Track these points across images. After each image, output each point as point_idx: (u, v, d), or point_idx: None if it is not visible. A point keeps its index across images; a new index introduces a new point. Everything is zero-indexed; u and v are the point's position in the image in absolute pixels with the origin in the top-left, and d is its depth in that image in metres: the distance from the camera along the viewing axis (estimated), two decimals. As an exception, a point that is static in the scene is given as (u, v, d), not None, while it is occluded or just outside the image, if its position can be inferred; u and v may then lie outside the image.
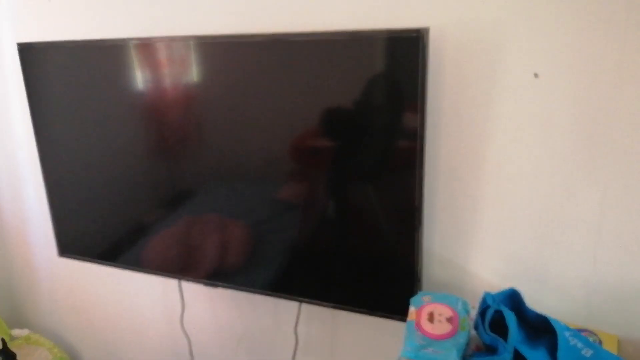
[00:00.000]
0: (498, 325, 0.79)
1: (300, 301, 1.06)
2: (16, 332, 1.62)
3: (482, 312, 0.80)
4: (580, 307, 0.92)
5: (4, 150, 1.56)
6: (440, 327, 0.82)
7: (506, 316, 0.76)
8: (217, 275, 1.13)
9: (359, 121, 0.89)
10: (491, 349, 0.80)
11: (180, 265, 1.17)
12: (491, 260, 0.97)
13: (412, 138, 0.85)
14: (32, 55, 1.18)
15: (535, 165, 0.88)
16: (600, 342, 0.86)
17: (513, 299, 0.81)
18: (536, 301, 0.94)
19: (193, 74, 1.00)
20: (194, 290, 1.36)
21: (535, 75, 0.83)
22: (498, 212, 0.93)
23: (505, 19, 0.84)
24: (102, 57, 1.08)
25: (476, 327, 0.83)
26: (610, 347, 0.85)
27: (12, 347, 1.50)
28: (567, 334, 0.77)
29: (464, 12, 0.86)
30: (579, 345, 0.77)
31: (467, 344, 0.82)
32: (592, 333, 0.88)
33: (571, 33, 0.80)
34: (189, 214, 1.12)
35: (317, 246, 1.00)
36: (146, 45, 1.03)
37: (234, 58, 0.95)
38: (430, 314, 0.84)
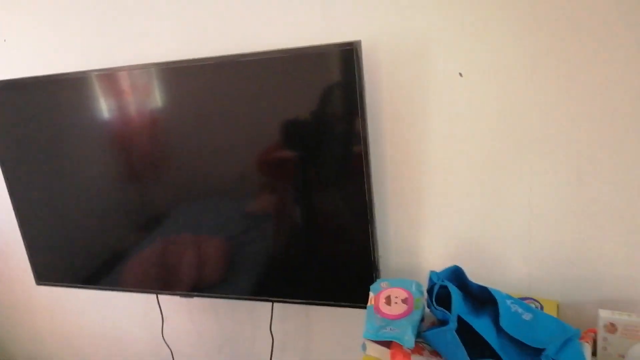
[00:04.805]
0: (447, 301, 0.86)
1: (273, 301, 1.12)
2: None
3: (430, 289, 0.87)
4: (522, 279, 1.00)
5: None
6: (397, 308, 0.89)
7: (450, 289, 0.84)
8: (195, 287, 1.17)
9: (309, 131, 0.95)
10: (444, 323, 0.88)
11: (159, 283, 1.20)
12: (440, 244, 1.05)
13: (357, 142, 0.93)
14: (-5, 93, 1.20)
15: (469, 156, 0.97)
16: (542, 307, 0.93)
17: (456, 274, 0.89)
18: (483, 277, 1.02)
19: (155, 99, 1.04)
20: (172, 303, 1.40)
21: (460, 74, 0.93)
22: (442, 201, 1.01)
23: (431, 26, 0.92)
24: (63, 90, 1.11)
25: (429, 305, 0.91)
26: (550, 311, 0.92)
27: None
28: (508, 302, 0.84)
29: (393, 23, 0.94)
30: (520, 310, 0.83)
31: (422, 321, 0.90)
32: (534, 300, 0.96)
33: (489, 36, 0.89)
34: (164, 234, 1.15)
35: (286, 249, 1.06)
36: (108, 75, 1.06)
37: (192, 81, 1.00)
38: (388, 297, 0.92)
